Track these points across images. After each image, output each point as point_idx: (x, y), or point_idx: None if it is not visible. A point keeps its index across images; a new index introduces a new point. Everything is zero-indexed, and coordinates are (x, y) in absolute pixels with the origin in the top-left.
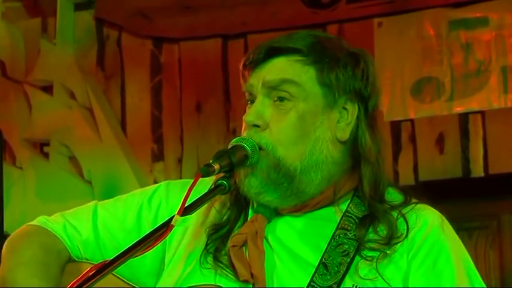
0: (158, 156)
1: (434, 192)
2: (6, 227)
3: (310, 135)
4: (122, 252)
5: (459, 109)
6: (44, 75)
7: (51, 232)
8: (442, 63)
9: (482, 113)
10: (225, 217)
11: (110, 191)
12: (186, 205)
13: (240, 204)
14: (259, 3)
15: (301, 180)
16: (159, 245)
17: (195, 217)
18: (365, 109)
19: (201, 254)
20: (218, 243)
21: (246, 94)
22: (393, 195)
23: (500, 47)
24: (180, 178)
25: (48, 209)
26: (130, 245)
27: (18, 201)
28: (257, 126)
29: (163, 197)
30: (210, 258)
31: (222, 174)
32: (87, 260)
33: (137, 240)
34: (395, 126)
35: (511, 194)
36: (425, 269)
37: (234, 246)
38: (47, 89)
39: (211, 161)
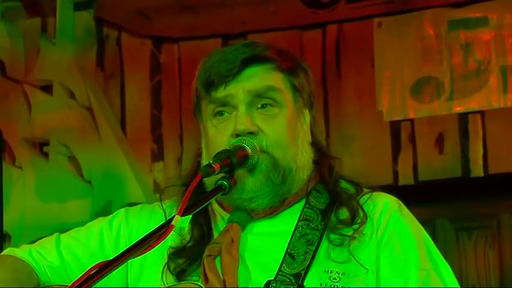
0: (158, 156)
1: (433, 192)
2: (5, 227)
3: (297, 137)
4: (123, 252)
5: (459, 109)
6: (44, 75)
7: (19, 258)
8: (441, 63)
9: (481, 112)
10: (189, 239)
11: (109, 191)
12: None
13: (202, 223)
14: (259, 3)
15: (293, 179)
16: (123, 265)
17: None
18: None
19: (162, 274)
20: (181, 264)
21: (211, 106)
22: (346, 185)
23: (499, 47)
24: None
25: (48, 208)
26: (130, 245)
27: (18, 201)
28: (251, 133)
29: (123, 219)
30: (172, 279)
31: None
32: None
33: (138, 240)
34: (395, 126)
35: (511, 194)
36: (391, 251)
37: (209, 255)
38: (47, 88)
39: (211, 161)
